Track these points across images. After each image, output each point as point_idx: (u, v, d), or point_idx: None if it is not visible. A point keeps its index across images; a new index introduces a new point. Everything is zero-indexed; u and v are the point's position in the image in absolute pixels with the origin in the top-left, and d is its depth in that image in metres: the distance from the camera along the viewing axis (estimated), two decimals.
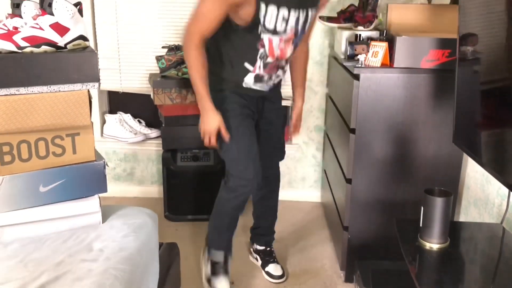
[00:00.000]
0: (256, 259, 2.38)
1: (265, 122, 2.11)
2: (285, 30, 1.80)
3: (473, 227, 1.67)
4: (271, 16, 1.75)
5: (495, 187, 1.83)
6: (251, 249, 2.43)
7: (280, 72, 2.00)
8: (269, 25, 1.77)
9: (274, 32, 1.80)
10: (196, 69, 1.82)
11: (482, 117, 1.54)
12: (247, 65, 1.90)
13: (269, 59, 1.88)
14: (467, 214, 2.10)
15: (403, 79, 1.96)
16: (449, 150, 2.03)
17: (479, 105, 1.55)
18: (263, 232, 2.37)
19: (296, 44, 1.92)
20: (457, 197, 2.14)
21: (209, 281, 2.12)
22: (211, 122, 1.86)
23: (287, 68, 2.06)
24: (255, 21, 1.76)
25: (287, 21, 1.78)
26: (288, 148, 3.03)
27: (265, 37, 1.81)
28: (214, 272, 2.10)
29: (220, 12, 1.74)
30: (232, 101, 1.94)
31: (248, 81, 1.94)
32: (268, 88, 2.01)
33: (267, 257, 2.33)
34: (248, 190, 1.96)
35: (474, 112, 1.58)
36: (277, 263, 2.31)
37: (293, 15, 1.78)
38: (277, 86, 2.11)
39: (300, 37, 1.91)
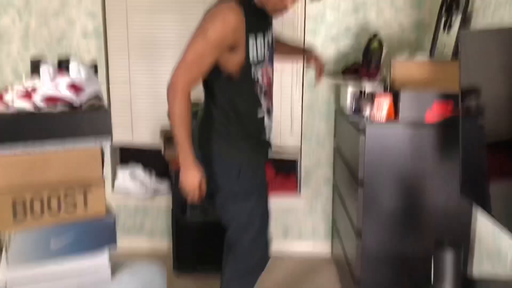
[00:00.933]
0: None
1: None
2: (264, 56, 1.79)
3: (487, 283, 1.63)
4: (259, 45, 1.74)
5: (507, 239, 1.81)
6: None
7: (270, 106, 1.91)
8: (260, 55, 1.76)
9: (262, 61, 1.78)
10: (183, 122, 1.70)
11: (488, 170, 1.55)
12: (259, 113, 1.85)
13: (264, 88, 1.84)
14: (480, 267, 2.05)
15: (408, 133, 1.99)
16: (459, 202, 2.03)
17: (485, 157, 1.55)
18: None
19: (273, 65, 1.90)
20: (468, 250, 2.11)
21: None
22: (193, 178, 1.75)
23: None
24: (247, 61, 1.73)
25: (265, 44, 1.78)
26: (297, 202, 3.04)
27: (259, 72, 1.79)
28: None
29: (212, 59, 1.68)
30: (254, 175, 1.86)
31: (265, 125, 1.88)
32: (269, 128, 1.94)
33: None
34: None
35: (480, 164, 1.59)
36: None
37: (267, 36, 1.80)
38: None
39: (272, 57, 1.89)
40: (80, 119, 1.56)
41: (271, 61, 1.88)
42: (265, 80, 1.84)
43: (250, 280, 1.91)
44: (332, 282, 2.71)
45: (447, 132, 1.98)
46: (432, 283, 1.41)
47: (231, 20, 1.65)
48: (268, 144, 1.93)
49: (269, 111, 1.90)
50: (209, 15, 1.68)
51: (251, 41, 1.71)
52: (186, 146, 1.73)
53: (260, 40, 1.74)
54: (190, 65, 1.67)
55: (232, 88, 1.78)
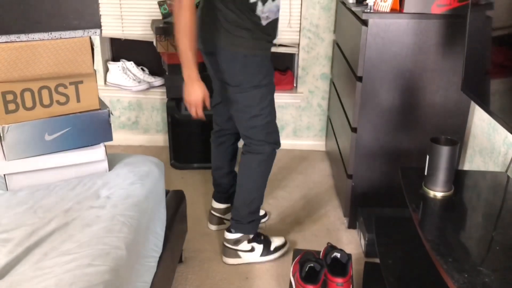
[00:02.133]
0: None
1: None
2: None
3: (477, 175, 1.68)
4: None
5: (501, 136, 1.82)
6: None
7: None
8: None
9: None
10: (187, 33, 1.65)
11: (492, 65, 1.51)
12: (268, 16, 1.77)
13: None
14: (472, 162, 2.10)
15: (412, 25, 1.90)
16: (457, 99, 2.01)
17: (490, 52, 1.51)
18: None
19: None
20: (462, 146, 2.14)
21: (266, 252, 2.05)
22: (197, 93, 1.75)
23: None
24: None
25: None
26: (293, 97, 3.02)
27: None
28: (264, 243, 2.05)
29: None
30: (268, 70, 1.87)
31: (275, 28, 1.84)
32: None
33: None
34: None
35: (485, 59, 1.54)
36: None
37: None
38: None
39: None
40: (65, 5, 1.47)
41: None
42: None
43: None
44: (325, 175, 2.79)
45: (453, 25, 1.90)
46: (425, 175, 1.43)
47: None
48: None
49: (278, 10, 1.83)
50: None
51: None
52: (190, 59, 1.69)
53: None
54: None
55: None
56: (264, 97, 1.87)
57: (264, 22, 1.76)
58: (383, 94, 2.02)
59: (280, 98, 3.00)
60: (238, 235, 2.02)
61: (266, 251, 2.04)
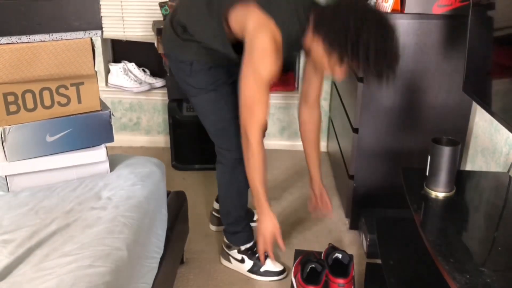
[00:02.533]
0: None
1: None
2: None
3: (479, 175, 1.67)
4: None
5: (503, 136, 1.82)
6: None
7: None
8: None
9: None
10: (257, 169, 1.61)
11: (494, 65, 1.51)
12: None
13: None
14: (474, 163, 2.09)
15: (413, 26, 1.90)
16: (458, 99, 2.00)
17: (491, 52, 1.50)
18: None
19: None
20: (464, 146, 2.14)
21: (254, 271, 1.97)
22: (269, 227, 1.70)
23: None
24: None
25: None
26: (295, 98, 3.01)
27: None
28: (255, 261, 1.96)
29: (268, 92, 1.56)
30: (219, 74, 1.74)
31: None
32: None
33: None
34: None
35: (486, 59, 1.54)
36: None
37: None
38: None
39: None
40: (66, 7, 1.47)
41: None
42: None
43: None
44: (326, 176, 2.78)
45: (454, 25, 1.89)
46: (427, 176, 1.43)
47: (273, 46, 1.49)
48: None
49: None
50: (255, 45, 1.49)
51: None
52: (260, 194, 1.66)
53: None
54: (254, 107, 1.55)
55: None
56: (216, 101, 1.76)
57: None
58: (384, 94, 2.01)
59: (282, 99, 3.00)
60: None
61: (255, 269, 1.95)
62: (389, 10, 1.90)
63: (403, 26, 1.91)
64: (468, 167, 2.15)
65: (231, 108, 1.74)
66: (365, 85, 1.99)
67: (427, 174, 1.43)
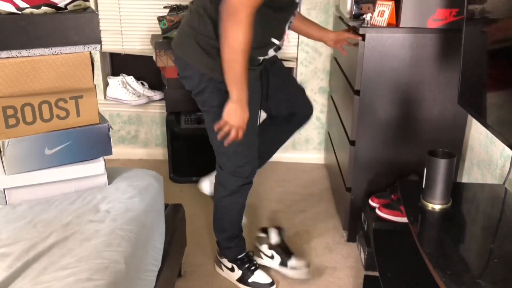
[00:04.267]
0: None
1: (275, 76, 1.88)
2: None
3: (475, 188, 1.69)
4: None
5: (499, 148, 1.83)
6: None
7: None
8: None
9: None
10: (245, 52, 1.47)
11: (488, 78, 1.52)
12: (274, 40, 1.67)
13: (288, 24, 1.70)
14: (470, 175, 2.11)
15: (409, 39, 1.93)
16: (454, 112, 2.02)
17: (485, 65, 1.52)
18: None
19: None
20: (460, 159, 2.15)
21: (243, 281, 1.97)
22: (244, 117, 1.61)
23: None
24: None
25: None
26: None
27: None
28: (244, 271, 1.96)
29: None
30: (252, 89, 1.65)
31: (270, 53, 1.72)
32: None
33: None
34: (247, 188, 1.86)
35: (481, 73, 1.56)
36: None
37: None
38: None
39: None
40: (65, 21, 1.48)
41: None
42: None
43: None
44: (323, 189, 2.79)
45: (449, 38, 1.92)
46: (423, 188, 1.44)
47: None
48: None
49: (280, 49, 1.76)
50: None
51: None
52: (244, 82, 1.54)
53: None
54: None
55: (260, 19, 1.50)
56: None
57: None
58: (380, 107, 2.03)
59: None
60: None
61: (243, 279, 1.95)
62: (385, 24, 1.92)
63: (399, 40, 1.93)
64: (465, 179, 2.16)
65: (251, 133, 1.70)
66: (361, 97, 2.01)
67: (423, 186, 1.44)
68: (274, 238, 2.06)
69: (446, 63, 1.96)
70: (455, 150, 1.58)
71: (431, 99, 2.02)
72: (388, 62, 1.96)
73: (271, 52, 1.73)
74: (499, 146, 1.82)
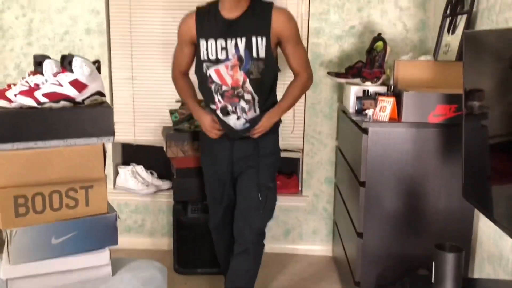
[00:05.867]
0: None
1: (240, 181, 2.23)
2: (227, 57, 2.03)
3: (488, 284, 1.63)
4: (211, 48, 2.04)
5: (508, 243, 1.80)
6: None
7: (243, 103, 2.08)
8: (212, 56, 2.05)
9: (218, 61, 2.05)
10: (181, 91, 2.27)
11: (491, 172, 1.54)
12: (211, 106, 2.14)
13: (224, 88, 2.07)
14: (481, 270, 2.05)
15: (411, 134, 1.99)
16: (460, 204, 2.02)
17: (488, 159, 1.55)
18: None
19: (248, 71, 2.04)
20: (470, 253, 2.10)
21: None
22: (207, 121, 2.14)
23: (255, 103, 2.09)
24: (198, 58, 2.08)
25: (226, 49, 2.02)
26: (298, 200, 3.04)
27: (211, 70, 2.06)
28: None
29: (182, 50, 2.16)
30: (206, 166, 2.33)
31: (221, 116, 2.12)
32: (242, 125, 2.11)
33: None
34: None
35: (483, 166, 1.58)
36: None
37: (230, 43, 2.02)
38: (265, 132, 2.15)
39: (248, 63, 2.03)
40: (82, 114, 1.56)
41: (245, 65, 2.03)
42: (223, 80, 2.06)
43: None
44: (332, 282, 2.71)
45: (450, 133, 1.98)
46: (432, 283, 1.40)
47: (182, 24, 2.15)
48: (227, 133, 2.15)
49: (227, 111, 2.10)
50: None
51: (202, 42, 2.06)
52: (190, 105, 2.24)
53: (211, 43, 2.04)
54: (175, 55, 2.26)
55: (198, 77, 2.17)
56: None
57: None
58: (386, 199, 2.04)
59: (286, 201, 3.02)
60: None
61: None
62: (387, 119, 2.00)
63: (401, 134, 1.99)
64: (476, 274, 2.09)
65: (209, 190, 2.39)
66: (367, 189, 2.03)
67: (432, 281, 1.40)
68: None
69: (449, 156, 2.00)
70: (463, 243, 1.56)
71: (437, 191, 2.03)
72: (392, 155, 2.01)
73: (221, 115, 2.12)
74: (509, 240, 1.79)
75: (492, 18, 1.98)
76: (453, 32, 2.32)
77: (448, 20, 2.40)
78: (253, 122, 2.11)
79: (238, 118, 2.10)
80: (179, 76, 2.24)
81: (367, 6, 2.82)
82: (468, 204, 1.94)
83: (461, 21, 2.23)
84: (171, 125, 2.83)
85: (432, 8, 2.79)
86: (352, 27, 2.85)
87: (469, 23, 2.15)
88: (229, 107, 2.09)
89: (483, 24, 2.06)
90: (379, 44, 2.37)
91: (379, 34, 2.45)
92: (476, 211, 2.05)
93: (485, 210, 1.54)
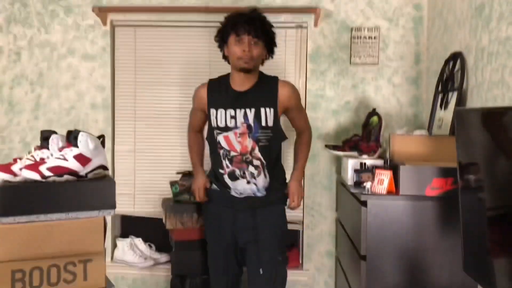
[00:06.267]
0: None
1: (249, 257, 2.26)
2: (236, 126, 2.15)
3: None
4: (220, 116, 2.17)
5: None
6: None
7: (252, 168, 2.18)
8: (221, 123, 2.17)
9: (227, 128, 2.17)
10: (189, 144, 2.42)
11: (491, 244, 1.53)
12: (220, 171, 2.22)
13: (233, 153, 2.18)
14: None
15: (409, 207, 2.00)
16: (462, 278, 1.98)
17: (487, 232, 1.55)
18: None
19: (256, 138, 2.16)
20: None
21: None
22: (198, 182, 2.30)
23: (262, 168, 2.19)
24: (210, 125, 2.22)
25: (235, 118, 2.16)
26: (300, 275, 2.98)
27: (221, 137, 2.18)
28: None
29: (196, 114, 2.33)
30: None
31: (228, 182, 2.21)
32: (251, 190, 2.20)
33: None
34: None
35: (483, 239, 1.57)
36: None
37: (239, 112, 2.16)
38: (269, 193, 2.22)
39: (258, 131, 2.16)
40: (84, 188, 1.60)
41: (254, 133, 2.16)
42: (232, 146, 2.18)
43: None
44: None
45: (448, 206, 1.99)
46: None
47: (195, 93, 2.30)
48: (232, 199, 2.23)
49: (236, 176, 2.19)
50: None
51: (212, 111, 2.20)
52: (192, 162, 2.42)
53: (221, 112, 2.18)
54: (190, 116, 2.45)
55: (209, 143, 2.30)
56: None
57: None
58: (388, 273, 2.01)
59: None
60: None
61: None
62: (385, 192, 2.02)
63: (399, 207, 2.01)
64: None
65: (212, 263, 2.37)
66: (367, 262, 2.01)
67: None
68: None
69: (448, 229, 2.00)
70: None
71: (438, 265, 2.01)
72: (392, 228, 2.01)
73: (228, 181, 2.21)
74: None
75: (481, 95, 2.07)
76: (445, 108, 2.41)
77: (440, 96, 2.50)
78: (266, 189, 2.23)
79: (248, 182, 2.20)
80: (192, 132, 2.42)
81: (362, 83, 2.95)
82: (471, 278, 1.92)
83: (453, 97, 2.33)
84: (171, 196, 2.85)
85: (424, 84, 2.92)
86: (348, 102, 2.96)
87: (461, 99, 2.24)
88: (237, 172, 2.19)
89: (473, 100, 2.15)
90: (374, 119, 2.45)
91: (374, 109, 2.54)
92: (479, 286, 2.02)
93: (486, 284, 1.52)
